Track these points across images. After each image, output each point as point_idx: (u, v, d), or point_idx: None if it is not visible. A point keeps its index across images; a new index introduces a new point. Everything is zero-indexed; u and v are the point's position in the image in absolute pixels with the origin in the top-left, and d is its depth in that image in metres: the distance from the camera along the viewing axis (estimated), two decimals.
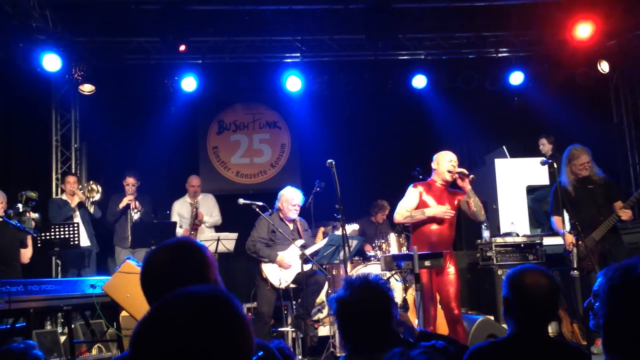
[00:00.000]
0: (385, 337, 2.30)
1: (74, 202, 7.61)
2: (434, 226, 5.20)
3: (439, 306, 5.32)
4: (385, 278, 5.83)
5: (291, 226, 6.64)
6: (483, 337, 5.86)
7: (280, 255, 6.40)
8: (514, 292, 2.43)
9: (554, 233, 7.90)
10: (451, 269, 5.17)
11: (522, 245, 7.26)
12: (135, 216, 7.76)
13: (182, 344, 1.09)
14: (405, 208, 5.25)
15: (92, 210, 7.78)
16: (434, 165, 5.37)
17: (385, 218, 8.52)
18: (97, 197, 7.70)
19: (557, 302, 2.48)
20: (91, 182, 7.82)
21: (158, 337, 1.11)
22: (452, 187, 5.37)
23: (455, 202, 5.29)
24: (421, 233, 5.23)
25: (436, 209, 5.14)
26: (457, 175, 5.19)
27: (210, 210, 8.27)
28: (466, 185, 5.18)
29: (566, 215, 6.04)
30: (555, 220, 6.14)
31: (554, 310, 2.46)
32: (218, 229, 8.20)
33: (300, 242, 6.45)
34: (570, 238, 5.83)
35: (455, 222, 5.34)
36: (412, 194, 5.29)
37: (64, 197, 7.80)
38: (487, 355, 2.42)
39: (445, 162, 5.26)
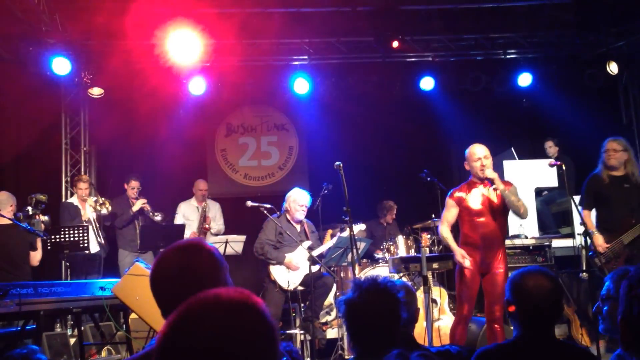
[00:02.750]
0: (394, 339, 2.30)
1: (85, 214, 7.54)
2: (481, 226, 5.05)
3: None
4: (404, 279, 5.81)
5: (298, 228, 6.65)
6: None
7: (289, 257, 6.41)
8: (516, 294, 2.43)
9: (563, 235, 7.88)
10: (501, 269, 5.04)
11: (530, 247, 7.22)
12: (157, 218, 7.71)
13: (209, 348, 1.09)
14: (446, 223, 5.20)
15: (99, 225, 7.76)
16: (466, 166, 5.23)
17: (395, 217, 8.51)
18: (104, 212, 7.65)
19: (561, 303, 2.47)
20: (104, 199, 7.73)
21: (186, 340, 1.11)
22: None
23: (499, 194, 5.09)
24: (468, 231, 5.12)
25: (455, 251, 5.06)
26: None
27: (215, 216, 8.34)
28: (497, 185, 5.02)
29: (594, 213, 5.82)
30: (584, 214, 5.75)
31: (558, 312, 2.45)
32: (223, 233, 8.22)
33: (307, 243, 6.46)
34: (601, 239, 5.57)
35: (506, 216, 5.17)
36: (449, 206, 5.20)
37: (75, 201, 7.76)
38: (494, 357, 2.42)
39: (474, 163, 5.12)
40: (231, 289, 1.23)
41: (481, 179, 5.11)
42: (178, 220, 8.12)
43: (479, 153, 5.12)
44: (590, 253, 5.69)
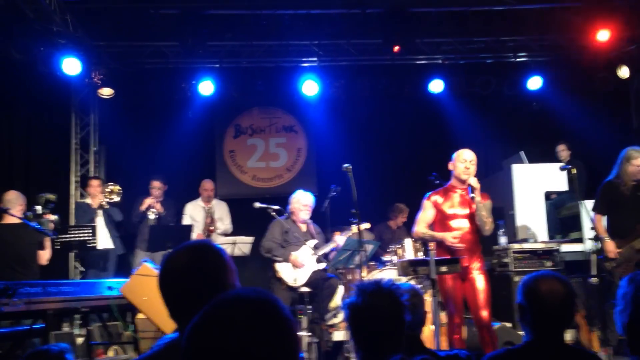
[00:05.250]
0: (398, 343, 2.28)
1: (95, 203, 7.68)
2: (456, 230, 5.05)
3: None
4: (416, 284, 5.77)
5: (304, 228, 6.71)
6: (500, 344, 5.80)
7: (294, 254, 6.45)
8: (528, 298, 2.40)
9: (572, 240, 7.83)
10: (480, 274, 5.01)
11: (539, 251, 7.18)
12: (151, 216, 7.79)
13: (236, 349, 1.11)
14: (423, 224, 5.19)
15: (115, 215, 7.81)
16: (450, 166, 5.23)
17: (405, 220, 8.48)
18: (116, 198, 7.71)
19: (573, 309, 2.43)
20: (110, 184, 7.83)
21: (212, 342, 1.12)
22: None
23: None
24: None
25: (445, 235, 5.02)
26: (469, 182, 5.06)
27: (222, 216, 8.30)
28: (475, 195, 5.01)
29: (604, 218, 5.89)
30: (597, 218, 5.91)
31: (569, 317, 2.42)
32: (231, 233, 8.21)
33: (312, 242, 6.51)
34: (612, 245, 5.69)
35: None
36: (426, 208, 5.19)
37: (88, 200, 7.86)
38: None
39: (459, 163, 5.12)
40: (249, 288, 1.24)
41: (462, 181, 5.10)
42: (185, 221, 8.12)
43: (467, 156, 5.15)
44: (600, 256, 5.80)
